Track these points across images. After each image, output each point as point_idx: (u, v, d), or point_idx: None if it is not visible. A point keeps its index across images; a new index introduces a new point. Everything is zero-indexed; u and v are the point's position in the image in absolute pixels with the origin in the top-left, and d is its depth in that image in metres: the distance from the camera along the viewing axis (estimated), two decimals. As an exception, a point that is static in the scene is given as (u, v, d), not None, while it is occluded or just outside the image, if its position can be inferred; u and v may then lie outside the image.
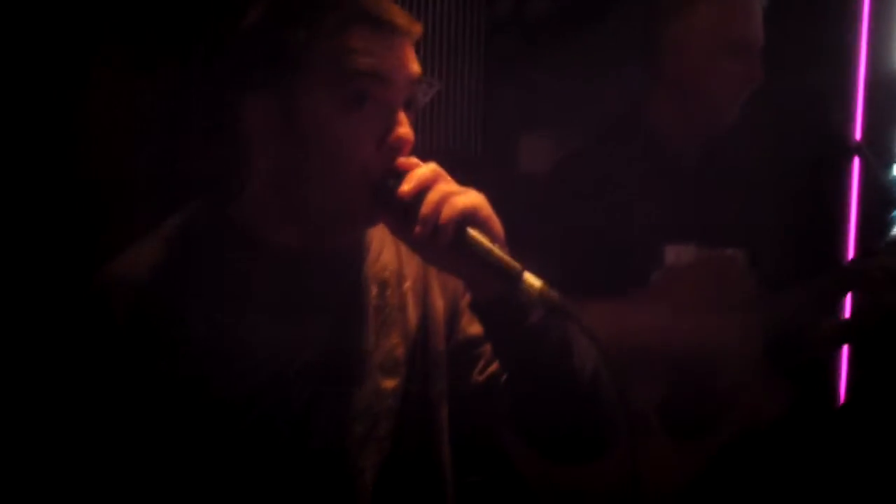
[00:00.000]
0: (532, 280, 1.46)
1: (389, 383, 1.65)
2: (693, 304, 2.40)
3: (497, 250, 1.48)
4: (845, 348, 3.19)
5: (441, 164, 1.55)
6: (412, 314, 1.68)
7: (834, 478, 3.13)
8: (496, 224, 1.51)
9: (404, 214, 1.50)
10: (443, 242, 1.47)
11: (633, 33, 2.54)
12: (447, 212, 1.47)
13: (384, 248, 1.70)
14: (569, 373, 1.57)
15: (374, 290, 1.67)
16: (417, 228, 1.47)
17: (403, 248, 1.68)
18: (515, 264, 1.47)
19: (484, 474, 2.44)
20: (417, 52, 1.62)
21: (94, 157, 2.73)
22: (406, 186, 1.49)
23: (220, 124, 1.68)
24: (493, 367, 1.68)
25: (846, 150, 2.93)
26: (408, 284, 1.70)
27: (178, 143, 2.59)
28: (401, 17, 1.56)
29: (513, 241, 1.53)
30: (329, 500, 1.61)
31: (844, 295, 2.59)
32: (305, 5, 1.55)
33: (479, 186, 1.64)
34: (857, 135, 3.17)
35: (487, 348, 1.68)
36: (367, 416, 1.62)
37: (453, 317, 1.71)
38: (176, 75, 2.01)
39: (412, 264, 1.71)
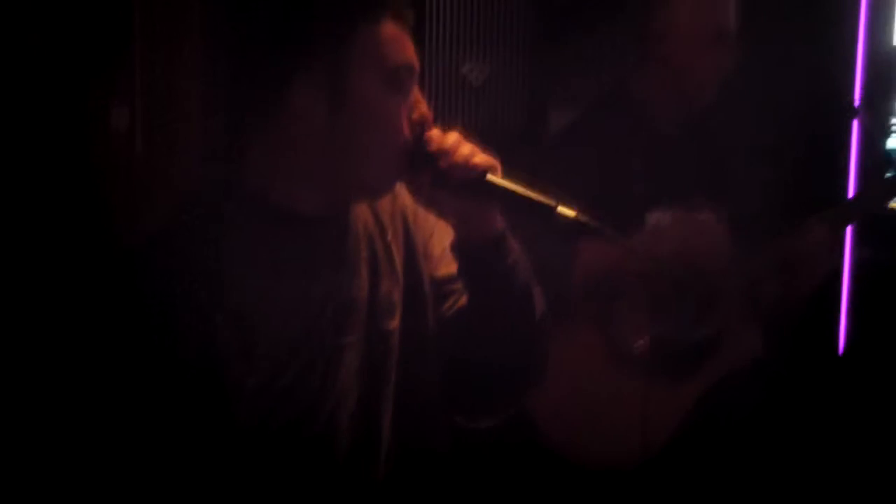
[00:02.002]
0: (565, 210, 1.74)
1: (391, 324, 1.87)
2: (674, 262, 2.65)
3: (529, 189, 1.77)
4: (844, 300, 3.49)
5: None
6: (397, 261, 1.90)
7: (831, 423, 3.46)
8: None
9: (436, 168, 1.77)
10: (471, 178, 1.74)
11: (626, 18, 2.78)
12: (478, 158, 1.77)
13: (361, 207, 1.89)
14: (527, 301, 1.89)
15: (364, 244, 1.88)
16: (455, 174, 1.74)
17: (379, 205, 1.93)
18: (548, 199, 1.75)
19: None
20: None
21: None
22: (447, 142, 1.77)
23: (263, 100, 1.79)
24: (461, 302, 1.92)
25: (845, 114, 3.14)
26: (390, 236, 1.90)
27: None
28: (409, 10, 1.78)
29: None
30: (358, 426, 1.86)
31: (785, 262, 2.72)
32: None
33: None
34: (856, 101, 3.38)
35: (456, 286, 1.92)
36: (378, 354, 1.88)
37: (426, 261, 1.94)
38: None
39: (388, 219, 1.92)
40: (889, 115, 3.47)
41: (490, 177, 1.76)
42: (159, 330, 1.72)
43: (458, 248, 1.86)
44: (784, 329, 2.98)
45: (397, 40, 1.75)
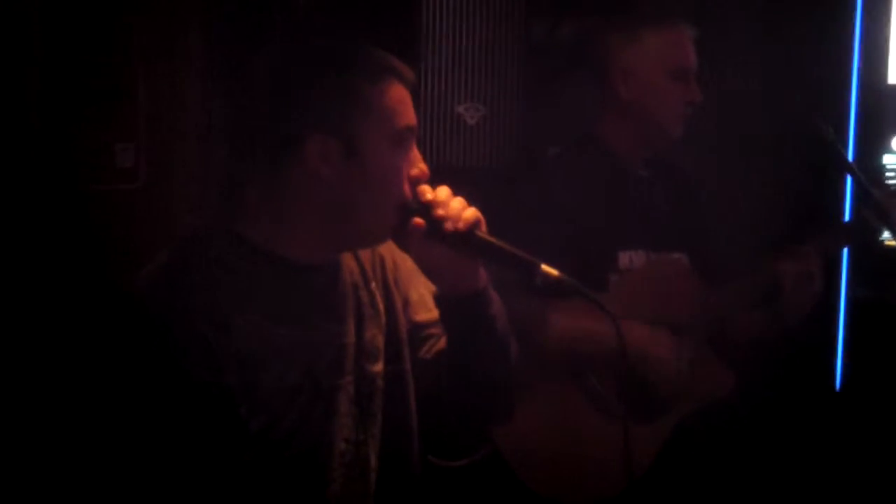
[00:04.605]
0: (548, 269, 1.83)
1: (375, 367, 1.96)
2: (646, 303, 2.65)
3: (512, 247, 1.85)
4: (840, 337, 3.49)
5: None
6: (380, 307, 1.99)
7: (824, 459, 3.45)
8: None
9: (431, 218, 1.85)
10: (460, 235, 1.83)
11: (588, 63, 2.85)
12: (467, 214, 1.85)
13: (347, 257, 1.98)
14: (504, 350, 1.98)
15: (350, 291, 1.96)
16: (448, 225, 1.82)
17: (362, 254, 2.01)
18: (532, 258, 1.85)
19: (469, 458, 2.72)
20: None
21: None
22: (440, 195, 1.86)
23: (271, 151, 1.86)
24: (439, 345, 2.02)
25: (837, 165, 3.08)
26: (373, 284, 2.00)
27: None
28: (410, 71, 1.88)
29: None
30: (349, 467, 1.93)
31: (769, 292, 2.72)
32: (360, 58, 1.85)
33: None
34: (849, 153, 3.42)
35: (434, 331, 2.03)
36: (364, 397, 1.96)
37: (404, 307, 2.04)
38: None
39: (370, 267, 2.01)
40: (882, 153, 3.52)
41: (479, 232, 1.85)
42: (160, 372, 1.77)
43: (443, 299, 1.95)
44: (767, 362, 3.01)
45: (403, 102, 1.86)
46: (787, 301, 2.70)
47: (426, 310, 2.05)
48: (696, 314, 2.72)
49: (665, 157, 2.84)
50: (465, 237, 1.85)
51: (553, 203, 2.67)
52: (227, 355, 1.79)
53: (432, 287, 2.02)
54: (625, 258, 2.73)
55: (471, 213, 1.85)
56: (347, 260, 1.98)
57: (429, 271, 1.97)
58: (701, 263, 2.80)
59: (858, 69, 3.48)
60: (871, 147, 3.50)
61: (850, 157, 3.42)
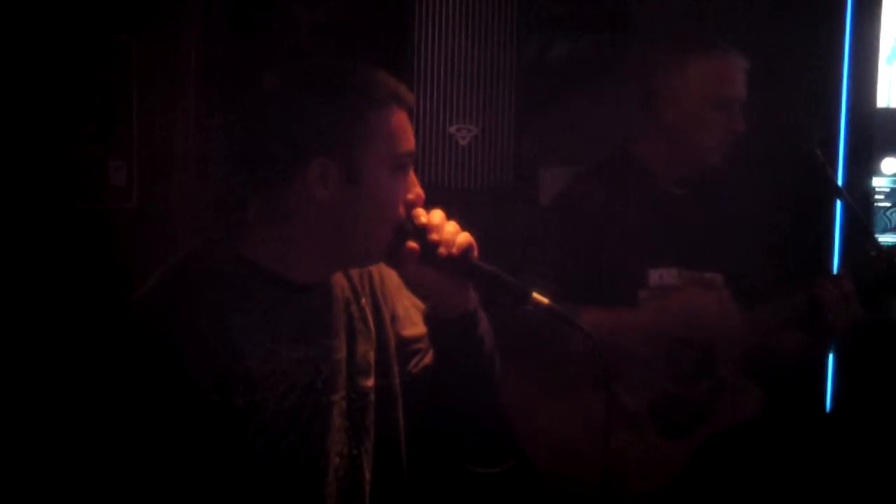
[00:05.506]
0: (539, 297, 1.88)
1: (367, 383, 1.98)
2: (677, 321, 2.69)
3: (504, 274, 1.89)
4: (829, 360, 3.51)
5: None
6: (371, 323, 2.01)
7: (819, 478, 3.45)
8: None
9: (423, 247, 1.88)
10: (454, 260, 1.87)
11: (633, 82, 2.87)
12: (461, 240, 1.88)
13: (337, 274, 1.99)
14: (489, 366, 2.04)
15: (342, 308, 1.98)
16: (442, 250, 1.87)
17: (351, 271, 2.02)
18: (522, 285, 1.88)
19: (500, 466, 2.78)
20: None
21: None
22: (434, 219, 1.89)
23: (273, 173, 1.85)
24: (425, 360, 2.07)
25: (829, 190, 3.17)
26: (363, 300, 2.04)
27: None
28: (412, 96, 1.90)
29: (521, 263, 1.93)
30: (344, 481, 1.95)
31: (804, 314, 2.77)
32: (365, 83, 1.85)
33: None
34: (839, 178, 3.44)
35: (420, 346, 2.07)
36: (356, 411, 1.98)
37: (392, 321, 2.06)
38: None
39: (359, 283, 2.05)
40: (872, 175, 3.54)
41: (471, 257, 1.89)
42: (168, 395, 1.77)
43: (432, 319, 2.00)
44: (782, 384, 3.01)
45: (404, 127, 1.87)
46: (825, 323, 2.73)
47: (412, 324, 2.08)
48: (730, 334, 2.74)
49: (704, 175, 2.86)
50: (458, 262, 1.88)
51: (584, 219, 2.71)
52: (235, 376, 1.80)
53: (418, 302, 2.07)
54: (655, 275, 2.75)
55: (464, 238, 1.89)
56: (337, 276, 2.00)
57: (420, 292, 2.02)
58: (737, 283, 2.81)
59: (848, 93, 3.52)
60: (861, 170, 3.54)
61: (839, 179, 3.45)
